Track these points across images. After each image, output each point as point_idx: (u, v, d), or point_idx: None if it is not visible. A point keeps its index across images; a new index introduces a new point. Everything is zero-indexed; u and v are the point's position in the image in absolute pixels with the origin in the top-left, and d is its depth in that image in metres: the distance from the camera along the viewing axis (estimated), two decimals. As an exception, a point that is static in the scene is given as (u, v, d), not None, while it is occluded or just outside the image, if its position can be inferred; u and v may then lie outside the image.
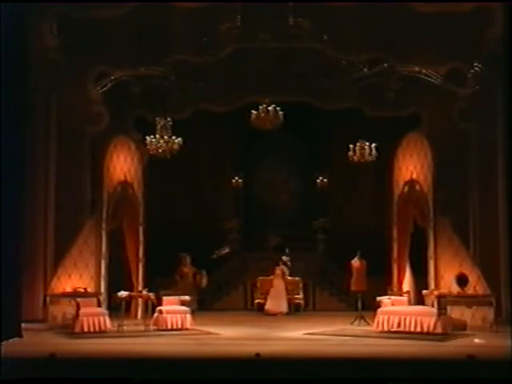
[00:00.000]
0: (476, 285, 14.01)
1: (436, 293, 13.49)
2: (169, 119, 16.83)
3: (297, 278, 18.58)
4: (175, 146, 16.86)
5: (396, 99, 17.47)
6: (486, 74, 15.26)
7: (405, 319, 12.92)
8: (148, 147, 16.86)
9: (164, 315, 13.64)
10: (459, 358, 9.85)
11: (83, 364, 9.82)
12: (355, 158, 17.84)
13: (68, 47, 14.93)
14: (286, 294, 17.96)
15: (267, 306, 17.70)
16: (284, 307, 17.74)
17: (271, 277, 18.08)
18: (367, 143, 17.72)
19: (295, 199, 21.69)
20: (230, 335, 13.17)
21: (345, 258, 16.20)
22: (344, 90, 17.94)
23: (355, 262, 15.71)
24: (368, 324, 14.32)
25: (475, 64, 15.47)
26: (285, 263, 18.30)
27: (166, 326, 13.56)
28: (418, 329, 12.73)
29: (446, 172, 14.90)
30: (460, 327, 13.40)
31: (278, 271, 18.08)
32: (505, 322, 13.62)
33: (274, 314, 17.31)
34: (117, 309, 13.78)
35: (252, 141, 20.94)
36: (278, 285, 17.92)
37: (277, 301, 17.73)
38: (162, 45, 15.57)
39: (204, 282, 16.90)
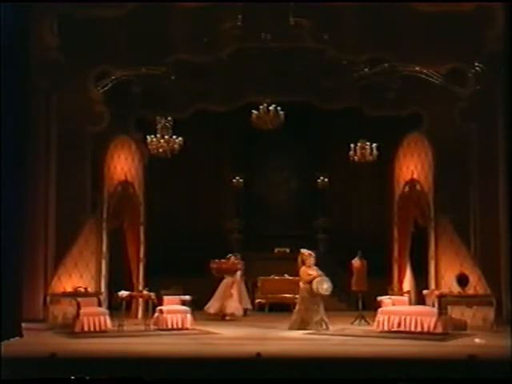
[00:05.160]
0: (476, 285, 13.99)
1: (436, 293, 13.46)
2: (169, 119, 16.86)
3: (297, 278, 18.52)
4: (176, 146, 16.90)
5: (396, 99, 17.51)
6: (486, 74, 15.26)
7: (405, 319, 12.90)
8: (149, 147, 16.91)
9: (164, 315, 13.63)
10: (460, 358, 9.83)
11: (84, 364, 9.81)
12: (356, 157, 17.87)
13: (68, 47, 14.89)
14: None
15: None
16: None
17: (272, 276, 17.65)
18: (368, 143, 17.74)
19: (296, 199, 21.68)
20: (231, 335, 13.15)
21: (345, 257, 16.16)
22: (344, 89, 17.98)
23: (356, 262, 15.68)
24: (368, 324, 14.32)
25: (476, 64, 15.47)
26: None
27: (167, 325, 13.54)
28: (419, 329, 12.70)
29: (447, 172, 14.89)
30: (460, 327, 13.39)
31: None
32: (505, 321, 13.60)
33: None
34: (117, 308, 13.77)
35: (252, 141, 20.97)
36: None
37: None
38: (163, 45, 15.59)
39: (325, 287, 13.98)
